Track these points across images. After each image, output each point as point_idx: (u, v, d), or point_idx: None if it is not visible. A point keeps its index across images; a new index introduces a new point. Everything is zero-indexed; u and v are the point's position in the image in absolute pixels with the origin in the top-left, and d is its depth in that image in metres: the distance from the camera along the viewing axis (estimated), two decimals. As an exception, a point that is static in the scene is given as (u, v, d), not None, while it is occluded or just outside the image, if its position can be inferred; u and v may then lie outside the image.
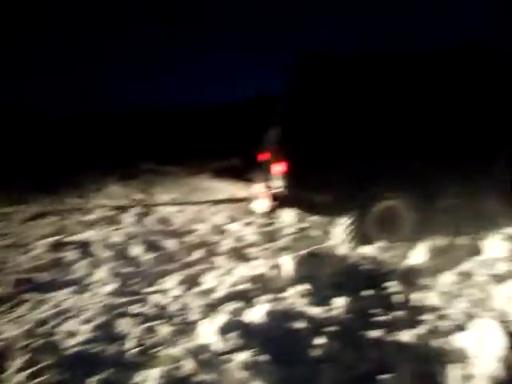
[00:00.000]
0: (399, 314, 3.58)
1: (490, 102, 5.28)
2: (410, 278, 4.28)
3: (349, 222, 5.16)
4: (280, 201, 5.29)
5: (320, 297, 3.85)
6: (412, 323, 3.41)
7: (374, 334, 3.24)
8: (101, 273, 4.92)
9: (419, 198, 5.13)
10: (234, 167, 10.94)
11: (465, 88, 5.28)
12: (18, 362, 3.01)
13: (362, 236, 5.13)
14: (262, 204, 5.64)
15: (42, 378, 2.75)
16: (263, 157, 6.38)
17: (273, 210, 5.56)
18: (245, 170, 9.14)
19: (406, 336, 3.19)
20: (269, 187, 5.53)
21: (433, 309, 3.66)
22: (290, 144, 5.15)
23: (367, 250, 5.02)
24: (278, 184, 5.24)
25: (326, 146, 5.08)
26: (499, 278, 3.97)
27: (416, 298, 3.87)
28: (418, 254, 4.68)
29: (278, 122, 5.61)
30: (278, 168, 5.20)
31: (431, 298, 3.83)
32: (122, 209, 8.55)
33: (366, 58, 5.35)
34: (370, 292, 3.98)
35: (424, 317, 3.52)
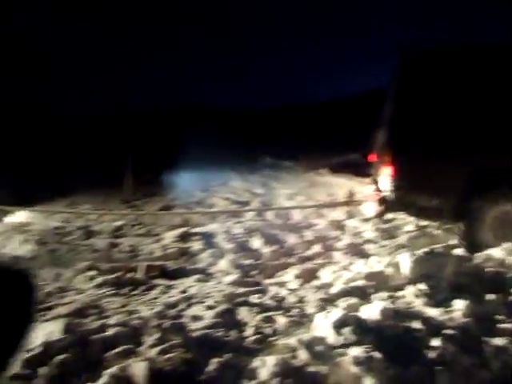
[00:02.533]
0: (526, 322, 3.38)
1: None
2: (541, 284, 4.00)
3: (463, 227, 4.91)
4: (387, 205, 5.16)
5: (439, 298, 3.74)
6: (541, 333, 3.21)
7: (497, 341, 3.08)
8: (223, 263, 5.22)
9: None
10: (353, 163, 10.84)
11: None
12: (151, 338, 3.32)
13: (477, 242, 4.87)
14: (370, 207, 5.56)
15: (170, 355, 3.01)
16: (372, 158, 6.28)
17: (380, 214, 5.42)
18: (363, 165, 9.05)
19: (533, 347, 3.01)
20: (377, 190, 5.44)
21: None
22: (397, 146, 4.99)
23: (493, 251, 4.75)
24: (386, 187, 5.14)
25: (436, 147, 4.85)
26: None
27: (546, 306, 3.61)
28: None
29: (384, 122, 5.48)
30: (386, 171, 5.08)
31: None
32: (244, 203, 8.90)
33: (474, 51, 5.02)
34: (495, 296, 3.77)
35: (555, 327, 3.29)
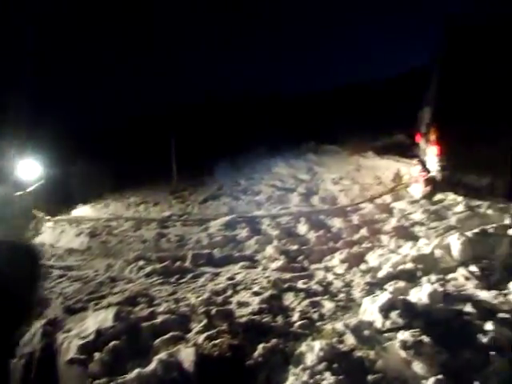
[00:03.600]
0: None
1: None
2: None
3: None
4: (435, 185, 5.00)
5: (492, 280, 3.62)
6: None
7: (556, 324, 2.97)
8: (270, 249, 5.23)
9: None
10: (398, 144, 10.60)
11: None
12: (199, 325, 3.38)
13: None
14: (417, 188, 5.41)
15: (217, 341, 3.06)
16: (418, 138, 6.09)
17: (428, 195, 5.25)
18: (410, 146, 8.81)
19: None
20: (424, 171, 5.28)
21: None
22: (443, 124, 4.79)
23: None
24: (433, 167, 4.97)
25: (484, 123, 4.62)
26: None
27: None
28: None
29: (429, 101, 5.28)
30: (432, 150, 4.92)
31: None
32: (289, 189, 8.87)
33: None
34: (552, 277, 3.62)
35: None
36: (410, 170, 6.46)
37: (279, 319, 3.40)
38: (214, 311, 3.53)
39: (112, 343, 3.17)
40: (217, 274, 4.68)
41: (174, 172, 10.69)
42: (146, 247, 6.18)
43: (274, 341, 3.03)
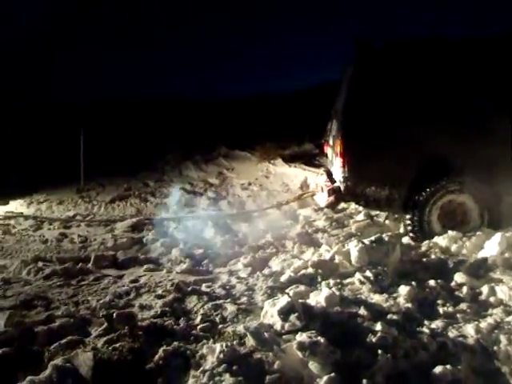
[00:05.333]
0: (464, 306, 3.52)
1: None
2: (481, 270, 4.17)
3: (412, 216, 5.07)
4: (339, 195, 5.26)
5: (384, 284, 3.87)
6: (477, 317, 3.35)
7: (436, 324, 3.23)
8: (175, 252, 5.21)
9: (486, 191, 4.95)
10: (306, 153, 10.98)
11: None
12: (99, 329, 3.29)
13: (426, 230, 5.05)
14: (323, 197, 5.64)
15: (117, 345, 3.00)
16: (325, 149, 6.36)
17: (332, 204, 5.50)
18: (317, 155, 9.17)
19: (469, 329, 3.14)
20: (329, 181, 5.53)
21: (501, 303, 3.57)
22: (349, 137, 5.09)
23: (439, 240, 4.93)
24: (338, 178, 5.23)
25: (386, 139, 4.97)
26: None
27: (484, 291, 3.78)
28: (492, 246, 4.53)
29: (336, 113, 5.56)
30: (338, 161, 5.18)
31: (501, 293, 3.72)
32: (198, 193, 8.88)
33: (430, 45, 5.16)
34: (436, 282, 3.93)
35: (491, 311, 3.44)
36: (316, 178, 6.72)
37: (181, 322, 3.40)
38: (115, 314, 3.45)
39: (1, 350, 3.00)
40: (120, 277, 4.58)
41: (81, 169, 10.30)
42: (47, 248, 5.93)
43: (175, 344, 3.02)
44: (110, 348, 2.99)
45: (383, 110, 5.04)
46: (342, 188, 5.17)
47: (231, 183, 9.66)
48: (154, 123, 16.65)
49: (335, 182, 5.49)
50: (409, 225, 5.15)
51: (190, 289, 3.99)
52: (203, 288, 4.06)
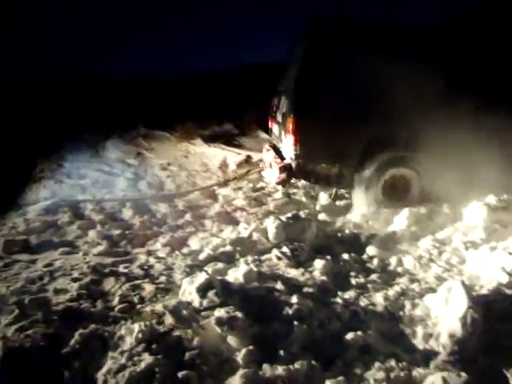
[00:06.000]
0: (375, 276, 3.75)
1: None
2: (390, 243, 4.43)
3: (358, 191, 5.29)
4: (290, 173, 5.34)
5: (301, 259, 4.01)
6: (386, 286, 3.59)
7: (348, 294, 3.42)
8: (92, 234, 5.08)
9: (427, 166, 5.24)
10: (226, 133, 10.98)
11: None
12: (9, 317, 3.16)
13: (371, 204, 5.27)
14: (273, 175, 5.68)
15: (30, 332, 2.91)
16: (271, 125, 6.38)
17: (283, 182, 5.56)
18: (236, 136, 9.21)
19: (378, 298, 3.37)
20: (279, 158, 5.58)
21: (407, 272, 3.83)
22: (299, 116, 5.15)
23: (352, 216, 5.16)
24: (288, 155, 5.30)
25: (336, 117, 5.06)
26: (473, 245, 4.14)
27: (392, 262, 4.03)
28: (401, 221, 4.81)
29: (286, 91, 5.60)
30: (288, 139, 5.24)
31: (407, 263, 3.99)
32: (116, 174, 8.65)
33: (379, 27, 5.30)
34: (350, 256, 4.14)
35: (398, 280, 3.69)
36: (263, 155, 6.63)
37: (99, 304, 3.35)
38: (27, 300, 3.33)
39: None
40: (33, 262, 4.39)
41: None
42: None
43: (92, 326, 2.98)
44: (22, 335, 2.90)
45: (333, 87, 5.12)
46: (294, 165, 5.26)
47: (150, 164, 9.48)
48: (72, 102, 15.90)
49: (284, 158, 5.55)
50: (357, 200, 5.35)
51: (107, 270, 3.92)
52: (121, 269, 4.00)
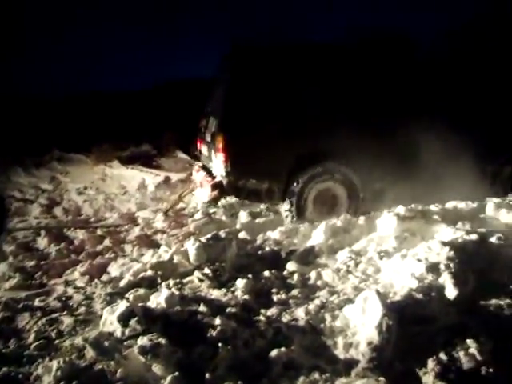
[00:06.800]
0: (296, 292, 3.81)
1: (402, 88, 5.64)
2: (309, 257, 4.54)
3: (290, 206, 5.41)
4: (221, 190, 5.40)
5: (222, 279, 4.02)
6: (307, 300, 3.65)
7: (271, 312, 3.45)
8: (3, 267, 4.82)
9: (354, 178, 5.49)
10: (145, 154, 10.88)
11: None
12: None
13: (301, 219, 5.42)
14: (204, 193, 5.70)
15: None
16: (200, 145, 6.42)
17: (215, 199, 5.62)
18: (155, 156, 9.12)
19: (300, 312, 3.42)
20: (209, 176, 5.62)
21: (326, 285, 3.94)
22: (229, 134, 5.27)
23: (271, 233, 5.25)
24: (219, 173, 5.36)
25: (264, 135, 5.27)
26: (386, 254, 4.34)
27: (312, 276, 4.13)
28: (319, 235, 4.95)
29: (214, 112, 5.68)
30: (218, 158, 5.31)
31: (326, 276, 4.10)
32: (29, 201, 8.28)
33: (299, 48, 5.59)
34: (271, 273, 4.19)
35: (318, 293, 3.77)
36: (193, 175, 6.60)
37: (12, 344, 3.17)
38: None
39: None
40: None
41: None
42: None
43: (4, 370, 2.81)
44: None
45: (259, 106, 5.33)
46: (225, 182, 5.32)
47: (66, 188, 9.17)
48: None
49: (215, 177, 5.59)
50: (287, 215, 5.48)
51: (20, 306, 3.72)
52: (36, 303, 3.81)
